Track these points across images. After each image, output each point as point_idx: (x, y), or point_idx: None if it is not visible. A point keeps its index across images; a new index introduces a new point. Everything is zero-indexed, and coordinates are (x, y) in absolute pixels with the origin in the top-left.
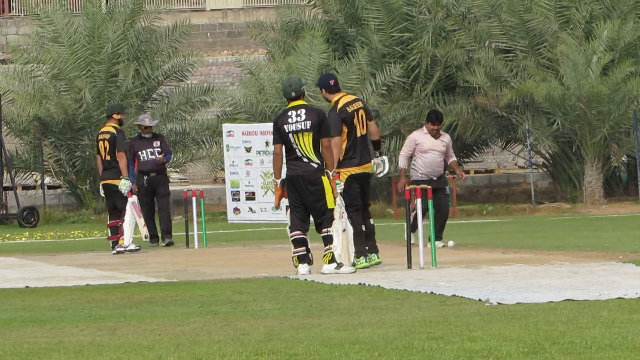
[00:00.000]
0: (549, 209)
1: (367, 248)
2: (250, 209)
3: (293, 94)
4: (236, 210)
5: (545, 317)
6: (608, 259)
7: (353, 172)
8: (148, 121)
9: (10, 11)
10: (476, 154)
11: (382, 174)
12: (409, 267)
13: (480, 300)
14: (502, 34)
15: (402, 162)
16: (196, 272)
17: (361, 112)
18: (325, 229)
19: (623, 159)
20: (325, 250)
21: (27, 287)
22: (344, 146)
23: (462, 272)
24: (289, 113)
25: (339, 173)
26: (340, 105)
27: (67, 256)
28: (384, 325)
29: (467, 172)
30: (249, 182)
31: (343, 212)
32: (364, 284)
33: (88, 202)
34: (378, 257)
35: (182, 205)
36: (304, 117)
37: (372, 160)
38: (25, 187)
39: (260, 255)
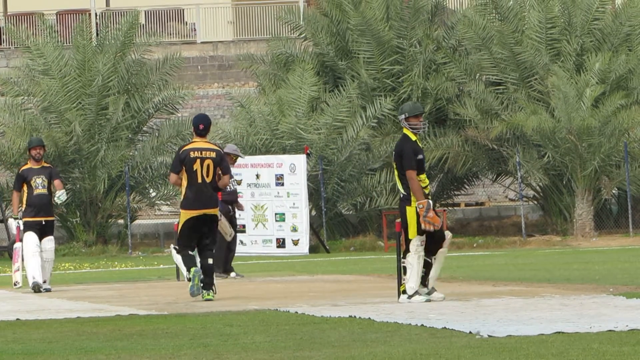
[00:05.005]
0: (540, 242)
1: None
2: (241, 242)
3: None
4: None
5: (535, 349)
6: (599, 292)
7: (191, 215)
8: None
9: (0, 44)
10: (467, 187)
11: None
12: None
13: (470, 332)
14: (492, 66)
15: None
16: (187, 305)
17: (207, 162)
18: (403, 260)
19: (613, 191)
20: (402, 281)
21: (17, 319)
22: (183, 189)
23: (453, 304)
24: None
25: (422, 206)
26: (185, 148)
27: (58, 288)
28: (374, 358)
29: (458, 204)
30: (240, 215)
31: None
32: (355, 316)
33: (79, 234)
34: (208, 294)
35: (172, 238)
36: (395, 146)
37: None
38: None
39: (250, 287)
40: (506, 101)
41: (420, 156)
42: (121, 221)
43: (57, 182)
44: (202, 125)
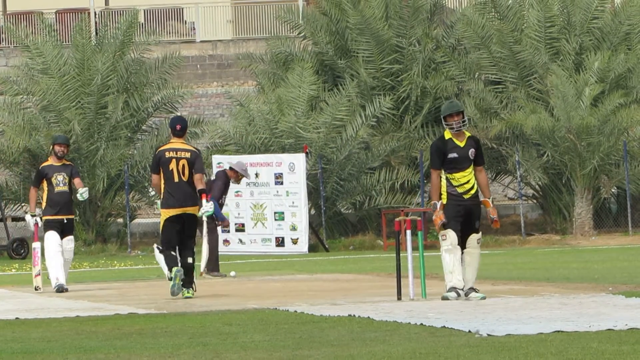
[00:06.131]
0: (539, 241)
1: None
2: (240, 241)
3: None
4: (226, 242)
5: (535, 348)
6: (598, 291)
7: (170, 214)
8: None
9: None
10: None
11: (201, 215)
12: (399, 298)
13: (470, 331)
14: (492, 65)
15: None
16: (186, 304)
17: (182, 161)
18: None
19: (613, 190)
20: None
21: (17, 318)
22: (162, 189)
23: (452, 303)
24: None
25: (437, 208)
26: (161, 149)
27: None
28: (373, 357)
29: None
30: (239, 214)
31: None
32: (354, 315)
33: (78, 233)
34: (188, 292)
35: None
36: None
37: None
38: (15, 219)
39: (249, 286)
40: (505, 100)
41: (452, 155)
42: (120, 220)
43: (77, 181)
44: (179, 126)
